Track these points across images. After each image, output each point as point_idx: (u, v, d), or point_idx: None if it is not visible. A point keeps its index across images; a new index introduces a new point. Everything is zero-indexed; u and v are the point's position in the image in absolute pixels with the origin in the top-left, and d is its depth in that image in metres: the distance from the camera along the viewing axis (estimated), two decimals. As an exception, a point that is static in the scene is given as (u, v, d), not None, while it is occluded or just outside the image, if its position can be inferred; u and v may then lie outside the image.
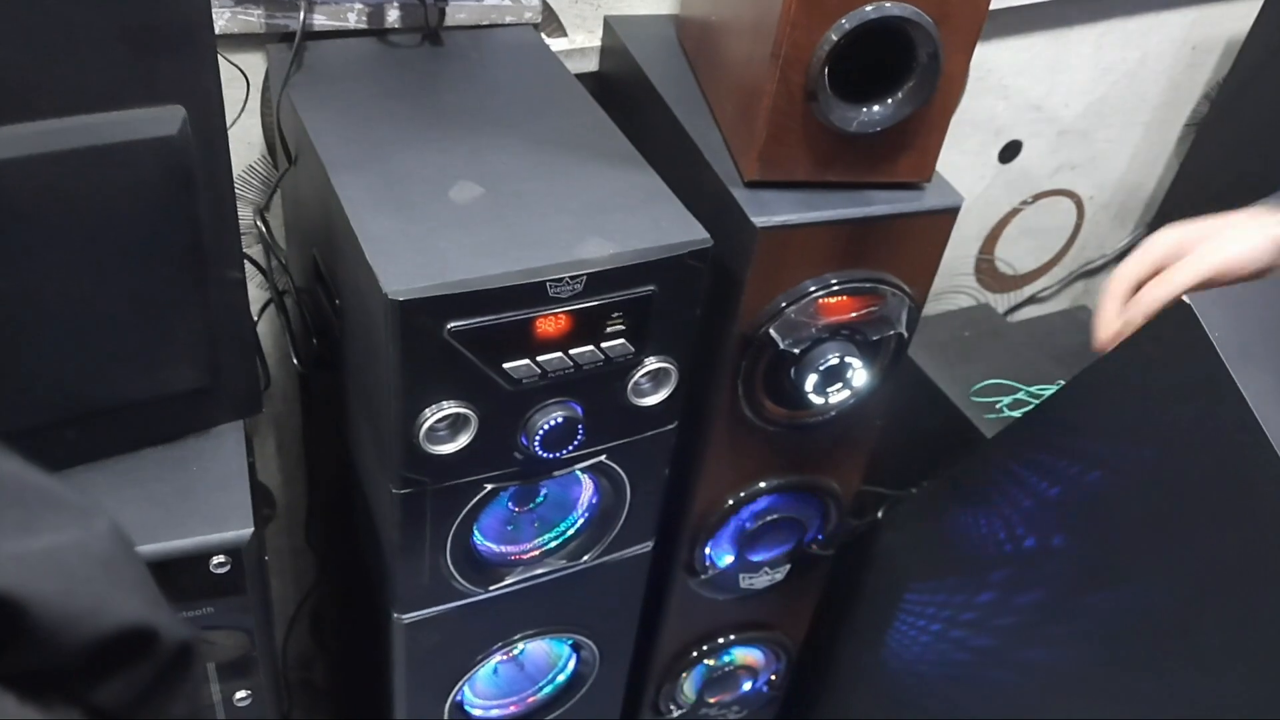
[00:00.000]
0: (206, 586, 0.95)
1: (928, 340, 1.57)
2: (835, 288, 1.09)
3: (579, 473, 1.10)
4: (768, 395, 1.16)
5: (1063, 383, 1.04)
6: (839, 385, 1.12)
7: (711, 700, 1.58)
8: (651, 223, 0.98)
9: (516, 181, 1.00)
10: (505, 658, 1.27)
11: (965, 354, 1.58)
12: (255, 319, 1.29)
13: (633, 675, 1.43)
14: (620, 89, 1.30)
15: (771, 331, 1.08)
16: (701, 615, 1.42)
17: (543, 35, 1.31)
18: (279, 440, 1.56)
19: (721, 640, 1.47)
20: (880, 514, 1.41)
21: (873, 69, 0.98)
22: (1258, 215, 0.95)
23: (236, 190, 1.00)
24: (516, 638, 1.21)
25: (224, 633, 1.01)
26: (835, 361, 1.09)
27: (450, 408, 0.94)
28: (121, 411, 0.96)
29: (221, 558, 0.94)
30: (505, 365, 0.93)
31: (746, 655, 1.55)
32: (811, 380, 1.10)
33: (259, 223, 1.27)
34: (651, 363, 1.02)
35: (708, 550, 1.32)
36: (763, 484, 1.27)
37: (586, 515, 1.17)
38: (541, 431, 0.98)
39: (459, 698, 1.25)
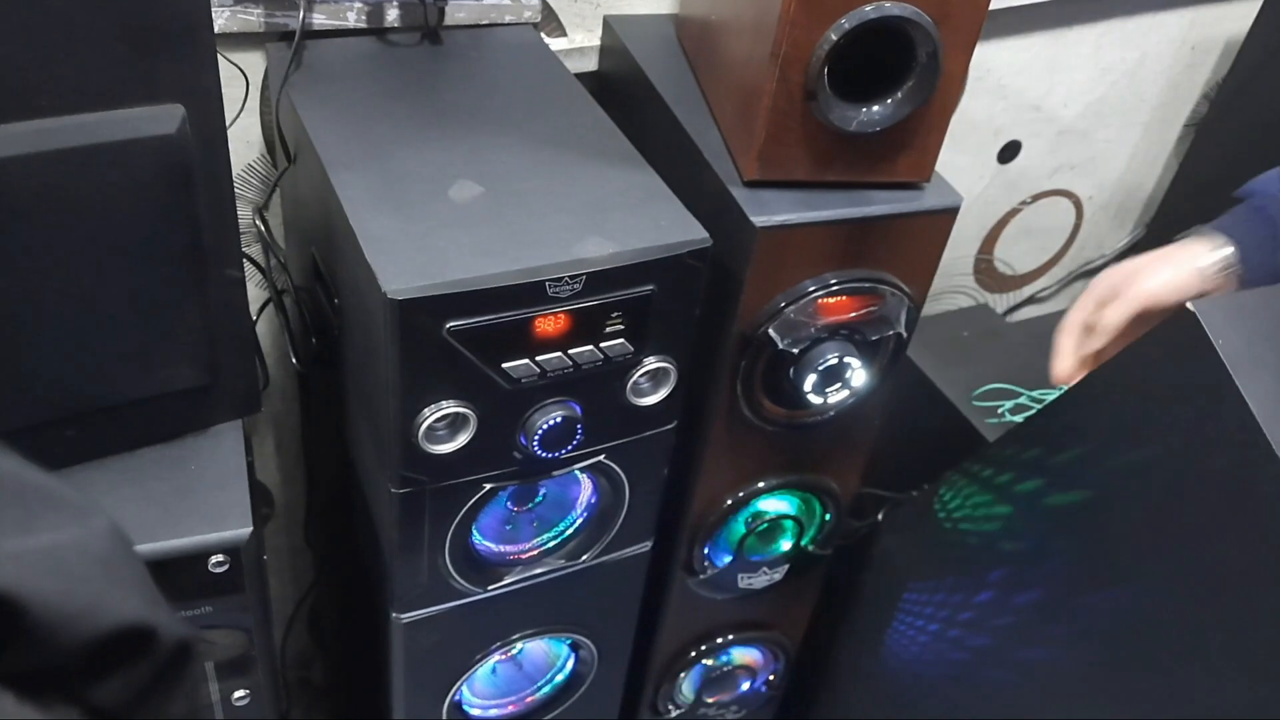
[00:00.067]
0: (205, 586, 0.95)
1: (927, 340, 1.57)
2: (834, 287, 1.08)
3: (578, 472, 1.10)
4: (767, 395, 1.16)
5: (1065, 388, 1.05)
6: (838, 385, 1.12)
7: (710, 700, 1.58)
8: (651, 222, 0.98)
9: (516, 181, 1.00)
10: (504, 657, 1.27)
11: (965, 354, 1.58)
12: (254, 318, 1.29)
13: (631, 675, 1.43)
14: (620, 88, 1.30)
15: (771, 331, 1.08)
16: (700, 615, 1.42)
17: (542, 34, 1.31)
18: (278, 439, 1.56)
19: (720, 640, 1.47)
20: (880, 516, 1.41)
21: (872, 69, 0.98)
22: (1188, 247, 1.03)
23: (236, 189, 1.00)
24: (515, 637, 1.21)
25: (222, 632, 1.01)
26: (834, 361, 1.09)
27: (449, 407, 0.94)
28: (120, 410, 0.96)
29: (220, 557, 0.94)
30: (504, 365, 0.93)
31: (745, 655, 1.55)
32: (810, 380, 1.10)
33: (258, 222, 1.27)
34: (650, 362, 1.02)
35: (706, 550, 1.32)
36: (761, 484, 1.27)
37: (585, 515, 1.17)
38: (540, 431, 0.98)
39: (457, 697, 1.25)
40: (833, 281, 1.08)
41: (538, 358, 0.94)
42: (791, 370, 1.11)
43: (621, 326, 0.97)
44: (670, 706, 1.54)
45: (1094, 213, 2.04)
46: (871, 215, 1.06)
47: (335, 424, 1.21)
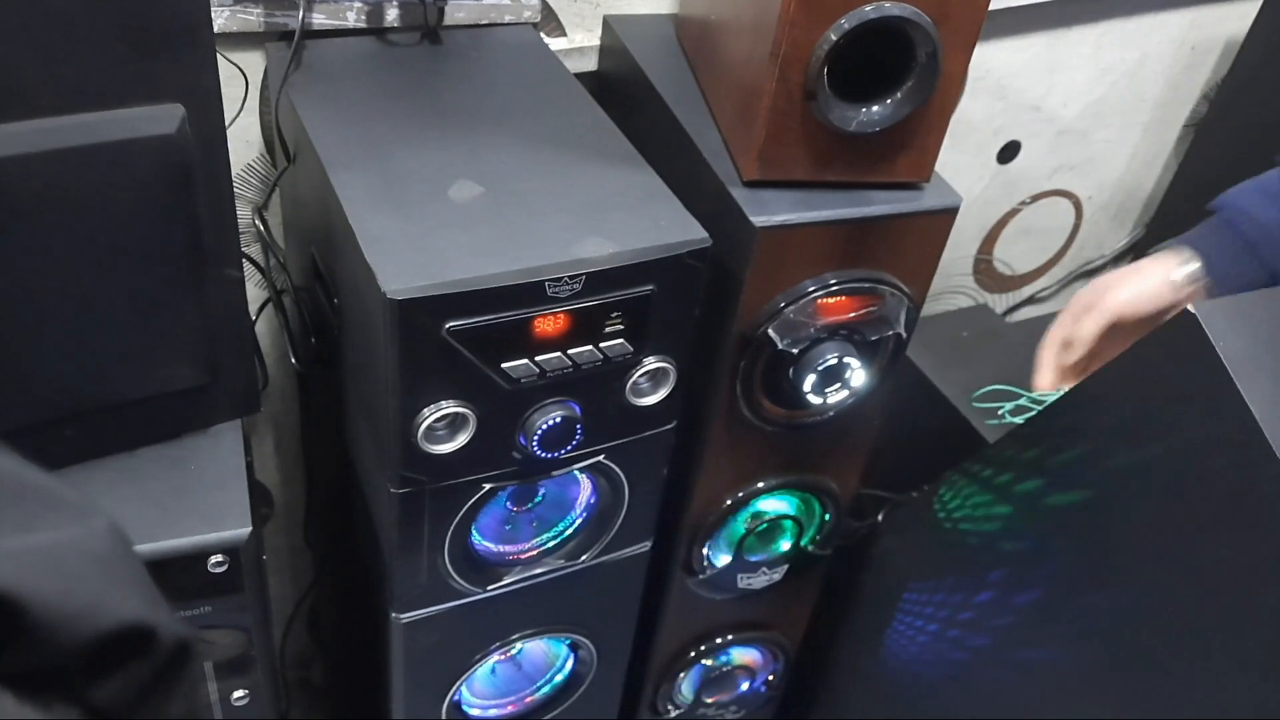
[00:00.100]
0: (204, 586, 0.95)
1: (926, 341, 1.57)
2: (834, 288, 1.09)
3: (577, 472, 1.10)
4: (766, 395, 1.16)
5: (1065, 389, 1.05)
6: (837, 385, 1.12)
7: (709, 700, 1.58)
8: (650, 222, 0.98)
9: (515, 181, 1.00)
10: (503, 657, 1.27)
11: (964, 355, 1.58)
12: (253, 318, 1.29)
13: (630, 675, 1.43)
14: (619, 88, 1.30)
15: (770, 331, 1.08)
16: (699, 615, 1.42)
17: (542, 34, 1.31)
18: (277, 439, 1.56)
19: (719, 640, 1.47)
20: (880, 517, 1.41)
21: (872, 69, 0.98)
22: (1159, 260, 1.08)
23: (235, 189, 1.00)
24: (514, 637, 1.21)
25: (222, 632, 1.01)
26: (834, 361, 1.09)
27: (449, 407, 0.94)
28: (119, 410, 0.96)
29: (219, 557, 0.94)
30: (504, 365, 0.93)
31: (744, 655, 1.55)
32: (810, 380, 1.10)
33: (257, 221, 1.27)
34: (650, 362, 1.02)
35: (706, 550, 1.32)
36: (761, 484, 1.27)
37: (585, 515, 1.17)
38: (540, 431, 0.98)
39: (457, 697, 1.25)
40: (832, 282, 1.08)
41: (537, 358, 0.94)
42: (791, 370, 1.11)
43: (621, 326, 0.97)
44: (669, 707, 1.54)
45: (1093, 213, 2.04)
46: (871, 215, 1.06)
47: (335, 424, 1.21)
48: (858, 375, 1.11)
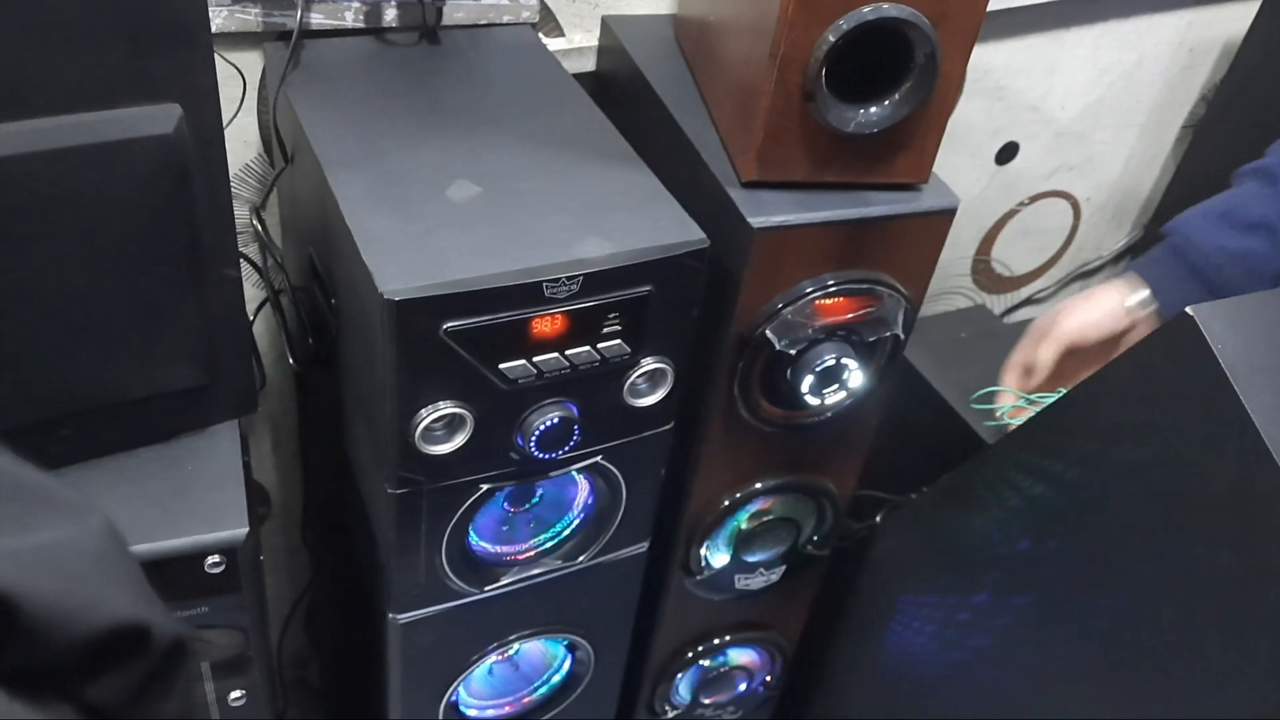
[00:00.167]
0: (201, 586, 0.95)
1: (925, 341, 1.57)
2: (832, 289, 1.09)
3: (575, 473, 1.10)
4: (764, 396, 1.16)
5: (1063, 390, 1.05)
6: (835, 386, 1.12)
7: (707, 701, 1.58)
8: (649, 223, 0.98)
9: (514, 181, 1.00)
10: (500, 658, 1.27)
11: (962, 356, 1.58)
12: (251, 318, 1.29)
13: (628, 675, 1.43)
14: (618, 89, 1.30)
15: (768, 332, 1.08)
16: (697, 616, 1.42)
17: (540, 35, 1.31)
18: (275, 439, 1.56)
19: (717, 641, 1.47)
20: (878, 518, 1.41)
21: (870, 70, 0.98)
22: (1114, 287, 1.13)
23: (233, 189, 1.00)
24: (512, 638, 1.21)
25: (219, 632, 1.01)
26: (831, 362, 1.09)
27: (446, 408, 0.94)
28: (116, 410, 0.96)
29: (216, 557, 0.94)
30: (501, 365, 0.93)
31: (742, 656, 1.55)
32: (808, 381, 1.10)
33: (255, 221, 1.27)
34: (648, 363, 1.02)
35: (703, 550, 1.32)
36: (759, 484, 1.27)
37: (582, 515, 1.17)
38: (537, 432, 0.98)
39: (454, 698, 1.25)
40: (830, 282, 1.08)
41: (535, 358, 0.94)
42: (789, 371, 1.11)
43: (619, 327, 0.97)
44: (667, 707, 1.54)
45: (1091, 214, 2.04)
46: (869, 216, 1.06)
47: (332, 424, 1.20)
48: (855, 376, 1.11)
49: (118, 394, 0.95)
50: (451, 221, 0.93)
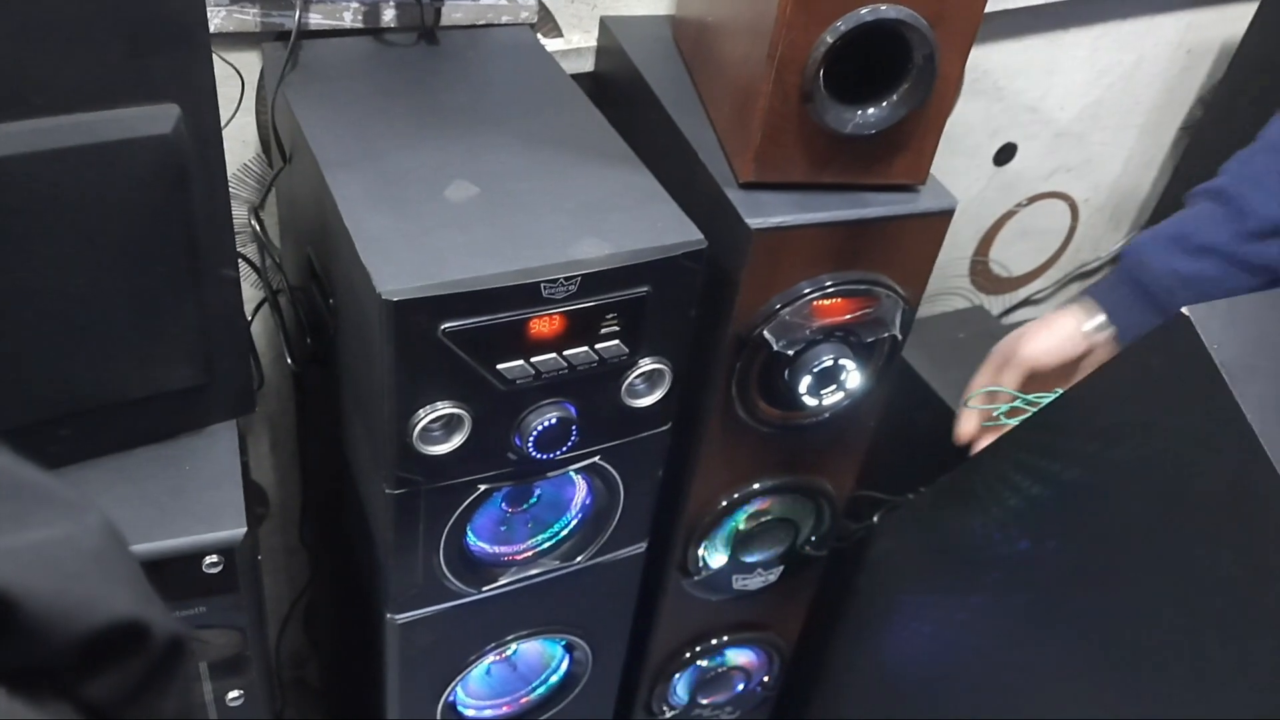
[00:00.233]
0: (199, 586, 0.95)
1: (923, 342, 1.57)
2: (830, 289, 1.09)
3: (573, 474, 1.10)
4: (762, 396, 1.16)
5: (1060, 390, 1.05)
6: (833, 387, 1.12)
7: (704, 701, 1.58)
8: (646, 224, 0.98)
9: (512, 181, 1.00)
10: (498, 658, 1.27)
11: (960, 356, 1.58)
12: (249, 318, 1.29)
13: (626, 676, 1.43)
14: (616, 89, 1.31)
15: (766, 333, 1.09)
16: (695, 616, 1.42)
17: (539, 35, 1.31)
18: (273, 439, 1.56)
19: (715, 641, 1.47)
20: (876, 519, 1.41)
21: (868, 71, 0.98)
22: (1074, 312, 1.15)
23: (231, 189, 1.00)
24: (510, 638, 1.21)
25: (216, 632, 1.01)
26: (829, 363, 1.10)
27: (444, 408, 0.94)
28: (114, 409, 0.96)
29: (214, 557, 0.94)
30: (499, 366, 0.93)
31: (740, 656, 1.55)
32: (805, 382, 1.10)
33: (254, 221, 1.27)
34: (646, 364, 1.02)
35: (701, 551, 1.32)
36: (756, 485, 1.27)
37: (580, 516, 1.17)
38: (535, 432, 0.98)
39: (452, 698, 1.25)
40: (828, 283, 1.09)
41: (533, 359, 0.94)
42: (786, 372, 1.11)
43: (617, 328, 0.97)
44: (665, 707, 1.54)
45: (1090, 215, 2.04)
46: (867, 217, 1.06)
47: (330, 424, 1.21)
48: (853, 377, 1.12)
49: (116, 394, 0.95)
50: (450, 222, 0.93)
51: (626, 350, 0.99)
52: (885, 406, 1.26)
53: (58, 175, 0.79)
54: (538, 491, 1.13)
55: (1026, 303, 2.12)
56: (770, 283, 1.08)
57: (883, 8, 0.93)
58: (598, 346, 0.97)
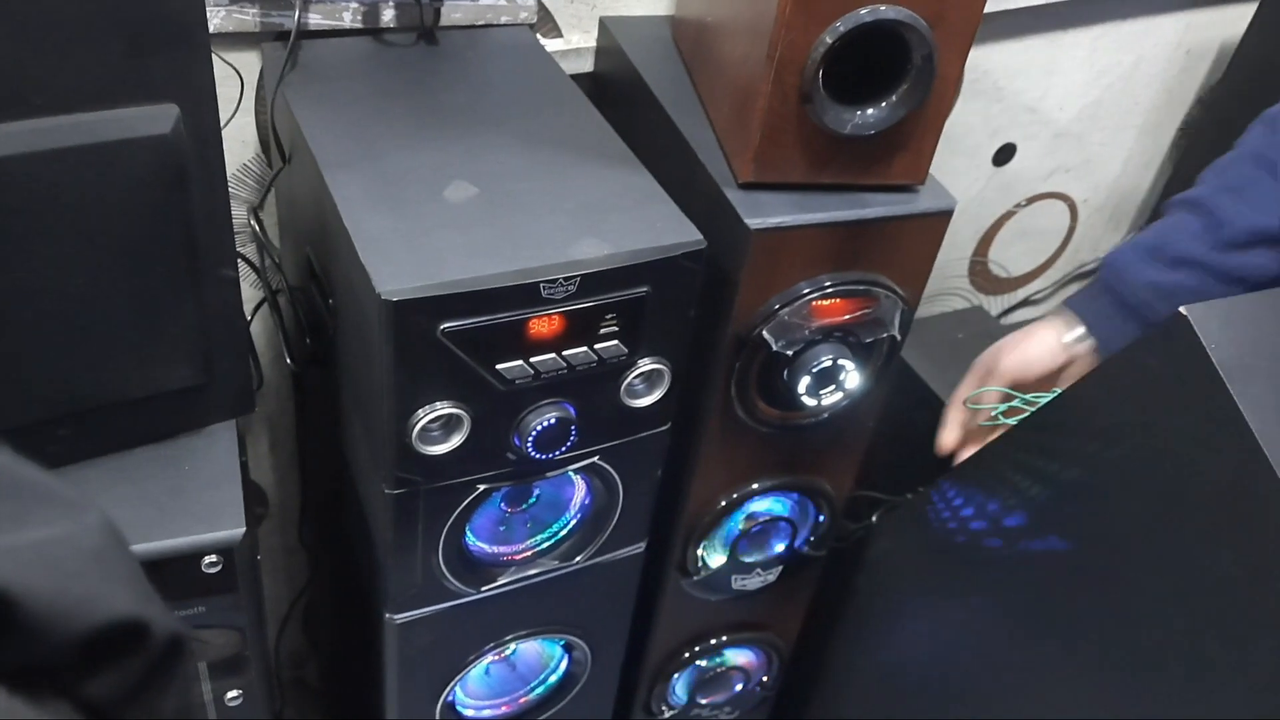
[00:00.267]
0: (198, 585, 0.95)
1: (922, 342, 1.57)
2: (829, 290, 1.09)
3: (572, 474, 1.10)
4: (761, 397, 1.16)
5: (1058, 390, 1.05)
6: (832, 387, 1.12)
7: (703, 701, 1.58)
8: (646, 224, 0.98)
9: (511, 182, 1.00)
10: (497, 658, 1.27)
11: (959, 356, 1.58)
12: (249, 318, 1.29)
13: (625, 676, 1.43)
14: (615, 90, 1.31)
15: (765, 333, 1.09)
16: (694, 616, 1.43)
17: (538, 35, 1.31)
18: (272, 439, 1.56)
19: (714, 641, 1.47)
20: (875, 519, 1.41)
21: (867, 71, 0.98)
22: (1054, 323, 1.16)
23: (231, 189, 1.00)
24: (508, 638, 1.21)
25: (216, 632, 1.01)
26: (828, 363, 1.10)
27: (443, 408, 0.94)
28: (114, 409, 0.96)
29: (213, 557, 0.94)
30: (498, 366, 0.93)
31: (739, 656, 1.55)
32: (804, 382, 1.10)
33: (253, 221, 1.27)
34: (645, 364, 1.02)
35: (700, 551, 1.32)
36: (756, 485, 1.27)
37: (579, 516, 1.17)
38: (534, 432, 0.98)
39: (451, 698, 1.25)
40: (827, 284, 1.09)
41: (532, 359, 0.94)
42: (786, 372, 1.11)
43: (616, 328, 0.97)
44: (664, 707, 1.54)
45: (1089, 215, 2.04)
46: (866, 218, 1.06)
47: (330, 424, 1.21)
48: (852, 377, 1.12)
49: (115, 394, 0.95)
50: (449, 222, 0.94)
51: (626, 350, 0.99)
52: (884, 407, 1.26)
53: (57, 175, 0.80)
54: (537, 491, 1.13)
55: (1026, 303, 2.12)
56: (769, 283, 1.08)
57: (882, 8, 0.93)
58: (597, 347, 0.97)
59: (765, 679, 1.60)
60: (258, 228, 1.27)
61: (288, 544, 1.69)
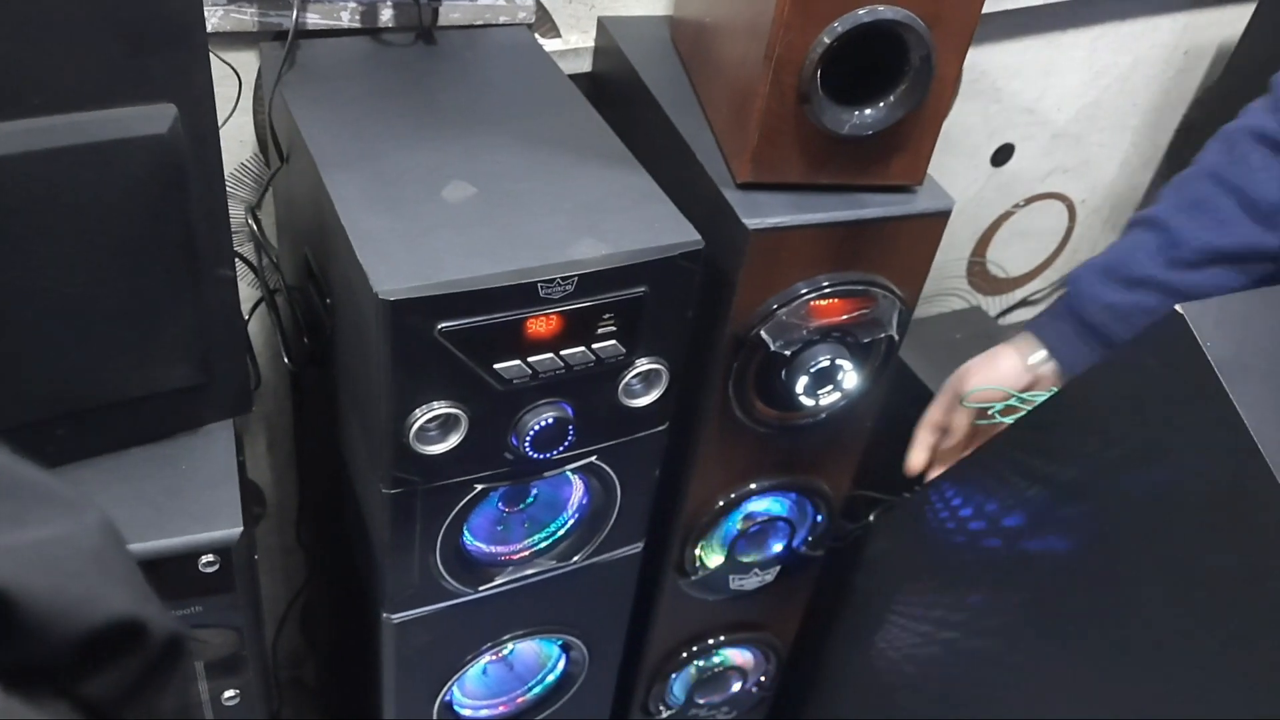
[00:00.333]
0: (195, 585, 0.95)
1: (920, 342, 1.57)
2: (826, 290, 1.09)
3: (569, 473, 1.10)
4: (759, 397, 1.16)
5: (1055, 389, 1.05)
6: (829, 387, 1.12)
7: (701, 701, 1.58)
8: (644, 224, 0.98)
9: (509, 182, 1.00)
10: (494, 658, 1.27)
11: (957, 357, 1.58)
12: (246, 317, 1.29)
13: (622, 676, 1.43)
14: (614, 90, 1.31)
15: (763, 333, 1.09)
16: (691, 616, 1.43)
17: (536, 35, 1.31)
18: (270, 439, 1.56)
19: (711, 641, 1.47)
20: (872, 518, 1.41)
21: (865, 72, 0.98)
22: (1018, 346, 1.17)
23: (228, 188, 1.00)
24: (506, 638, 1.21)
25: (213, 631, 1.01)
26: (826, 363, 1.10)
27: (441, 408, 0.94)
28: (111, 409, 0.96)
29: (210, 557, 0.94)
30: (496, 366, 0.93)
31: (736, 656, 1.55)
32: (802, 382, 1.10)
33: (251, 221, 1.27)
34: (643, 364, 1.02)
35: (698, 551, 1.32)
36: (753, 485, 1.27)
37: (577, 516, 1.17)
38: (532, 432, 0.98)
39: (448, 697, 1.25)
40: (825, 284, 1.09)
41: (529, 359, 0.94)
42: (783, 372, 1.11)
43: (614, 328, 0.97)
44: (661, 707, 1.54)
45: (1087, 216, 2.04)
46: (864, 218, 1.06)
47: (327, 424, 1.21)
48: (850, 377, 1.12)
49: (113, 393, 0.95)
50: (447, 222, 0.94)
51: (623, 350, 0.99)
52: (882, 407, 1.26)
53: (54, 175, 0.79)
54: (534, 491, 1.13)
55: (1024, 303, 2.13)
56: (767, 283, 1.08)
57: (880, 8, 0.93)
58: (595, 346, 0.97)
59: (763, 679, 1.60)
60: (255, 227, 1.27)
61: (285, 543, 1.69)
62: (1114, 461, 0.96)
